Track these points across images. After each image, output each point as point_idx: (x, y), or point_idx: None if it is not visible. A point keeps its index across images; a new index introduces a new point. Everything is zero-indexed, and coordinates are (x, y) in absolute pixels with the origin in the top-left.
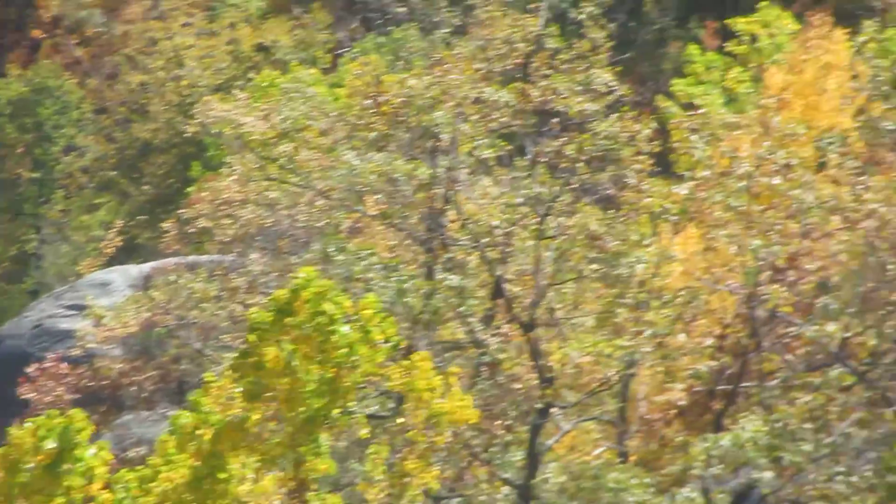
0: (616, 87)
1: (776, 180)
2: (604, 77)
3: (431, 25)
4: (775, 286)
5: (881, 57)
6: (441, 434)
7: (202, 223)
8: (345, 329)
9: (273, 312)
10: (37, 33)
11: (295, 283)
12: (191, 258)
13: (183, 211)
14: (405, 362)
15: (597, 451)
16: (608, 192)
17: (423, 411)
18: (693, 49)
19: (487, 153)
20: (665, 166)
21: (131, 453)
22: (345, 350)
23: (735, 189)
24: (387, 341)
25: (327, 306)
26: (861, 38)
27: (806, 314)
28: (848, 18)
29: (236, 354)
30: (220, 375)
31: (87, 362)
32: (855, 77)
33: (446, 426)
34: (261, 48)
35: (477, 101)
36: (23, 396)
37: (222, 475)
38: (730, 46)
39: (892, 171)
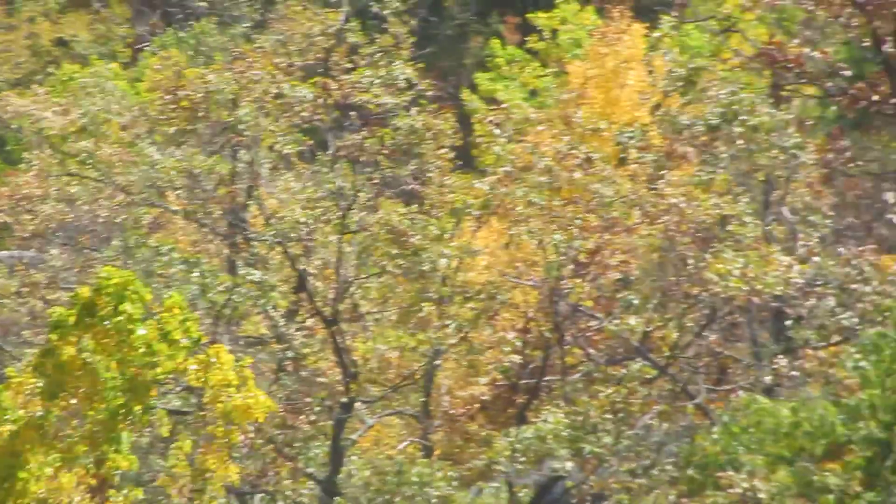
0: (417, 82)
1: (577, 175)
2: (405, 72)
3: (232, 20)
4: (577, 280)
5: (679, 52)
6: (237, 429)
7: (1, 218)
8: (141, 331)
9: (75, 311)
10: None
11: (98, 282)
12: None
13: None
14: (201, 357)
15: (401, 446)
16: (410, 186)
17: (219, 406)
18: (494, 44)
19: (289, 148)
20: (467, 161)
21: None
22: (143, 350)
23: (536, 184)
24: (189, 338)
25: (126, 306)
26: (657, 34)
27: (608, 308)
28: (647, 13)
29: (37, 352)
30: (20, 372)
31: None
32: (651, 72)
33: (242, 421)
34: (60, 42)
35: (278, 95)
36: None
37: (22, 474)
38: (531, 42)
39: (689, 166)
